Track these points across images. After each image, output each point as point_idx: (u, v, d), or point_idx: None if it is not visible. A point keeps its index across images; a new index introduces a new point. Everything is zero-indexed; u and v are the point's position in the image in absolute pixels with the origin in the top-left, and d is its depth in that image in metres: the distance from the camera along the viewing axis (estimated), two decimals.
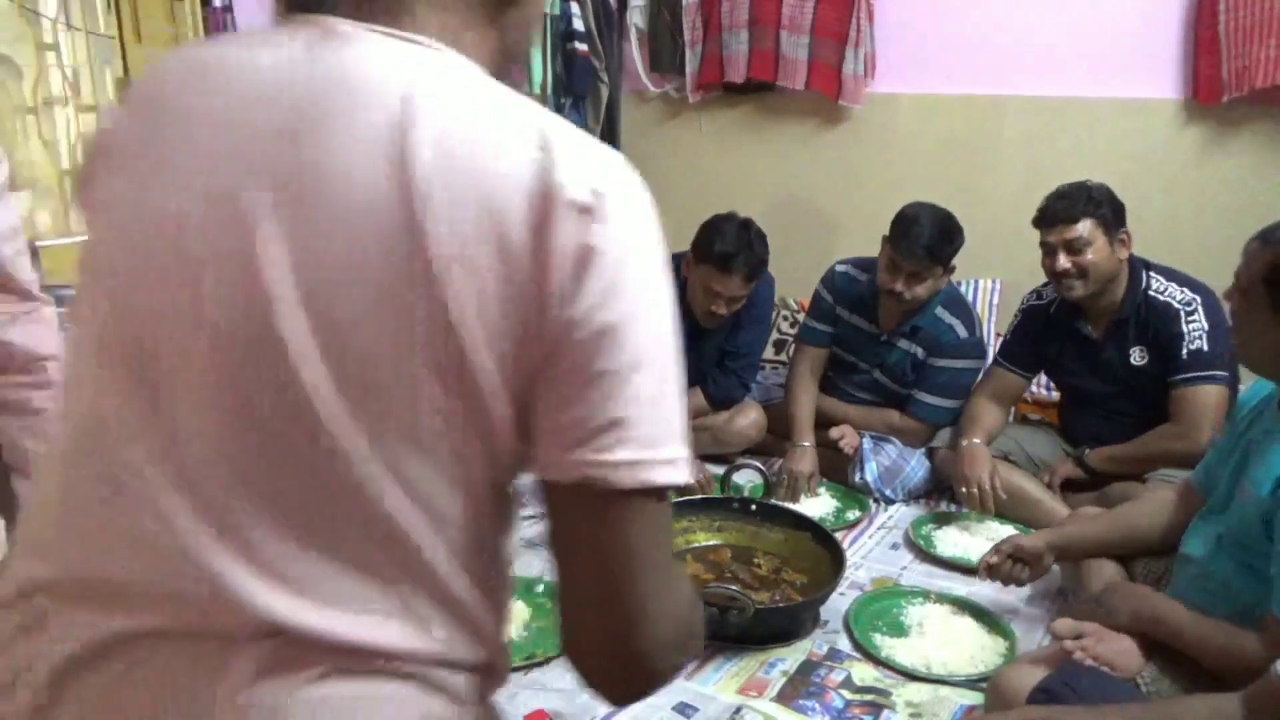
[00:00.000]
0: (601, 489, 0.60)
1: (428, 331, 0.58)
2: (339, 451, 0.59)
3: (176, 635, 0.61)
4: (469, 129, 0.60)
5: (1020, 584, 1.84)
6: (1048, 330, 2.37)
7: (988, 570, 1.82)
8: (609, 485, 0.60)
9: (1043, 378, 2.59)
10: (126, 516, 0.61)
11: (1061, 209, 2.18)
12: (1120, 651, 1.44)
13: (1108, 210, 2.17)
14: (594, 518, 0.62)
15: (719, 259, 2.39)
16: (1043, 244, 2.23)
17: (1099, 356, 2.29)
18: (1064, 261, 2.18)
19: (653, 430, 0.61)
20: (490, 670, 0.68)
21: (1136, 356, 2.23)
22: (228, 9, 2.76)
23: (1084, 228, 2.15)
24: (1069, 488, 2.32)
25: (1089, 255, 2.15)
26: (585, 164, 0.60)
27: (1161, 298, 2.17)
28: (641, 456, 0.60)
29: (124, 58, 3.07)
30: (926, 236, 2.36)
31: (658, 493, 0.62)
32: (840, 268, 2.67)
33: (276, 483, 0.60)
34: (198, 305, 0.60)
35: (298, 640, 0.60)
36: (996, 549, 1.82)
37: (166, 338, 0.61)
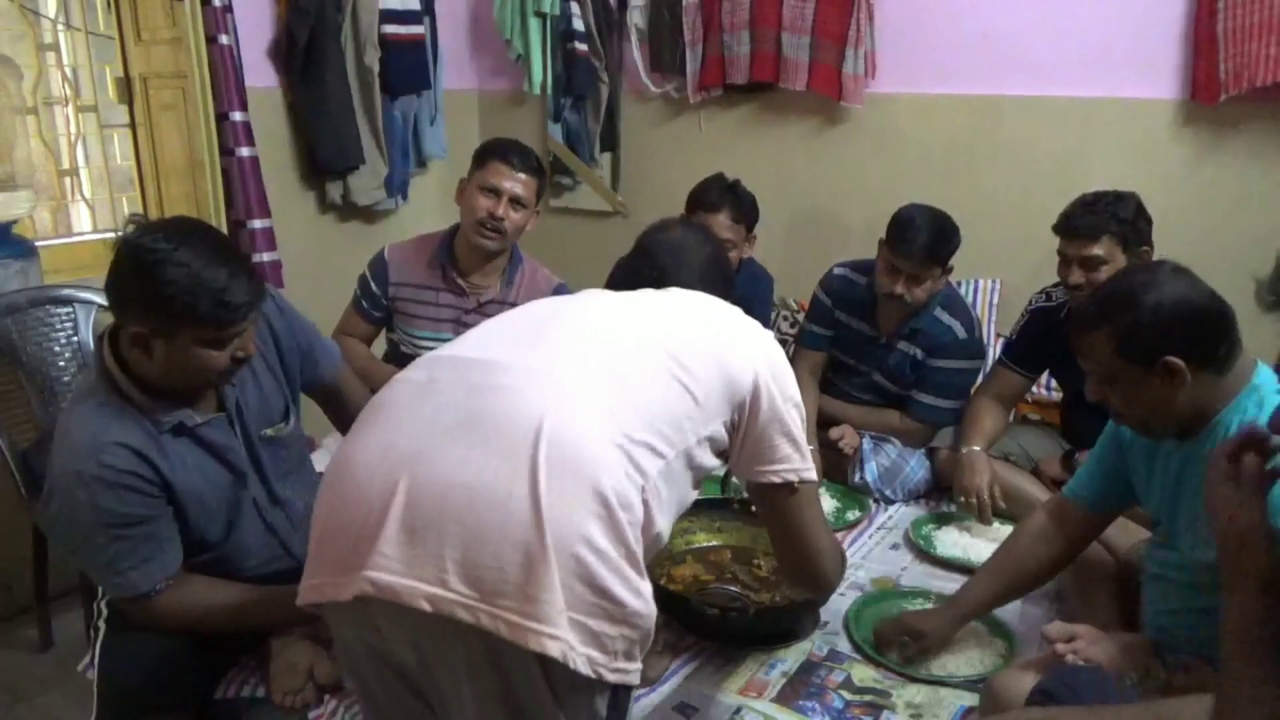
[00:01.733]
0: (799, 482, 1.37)
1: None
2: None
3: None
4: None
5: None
6: (1057, 333, 2.31)
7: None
8: (805, 479, 1.37)
9: (1044, 377, 2.58)
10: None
11: (1083, 225, 2.12)
12: (1111, 653, 1.44)
13: (1131, 227, 2.11)
14: (789, 499, 1.39)
15: (707, 204, 2.60)
16: (1060, 251, 2.19)
17: None
18: (1077, 276, 2.14)
19: (805, 451, 1.37)
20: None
21: None
22: (228, 9, 2.76)
23: (1102, 246, 2.10)
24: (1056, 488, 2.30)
25: (1103, 274, 2.10)
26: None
27: None
28: (810, 464, 1.38)
29: (124, 58, 3.06)
30: (924, 237, 2.34)
31: (815, 483, 1.41)
32: (838, 270, 2.67)
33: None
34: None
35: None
36: (886, 641, 1.79)
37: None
